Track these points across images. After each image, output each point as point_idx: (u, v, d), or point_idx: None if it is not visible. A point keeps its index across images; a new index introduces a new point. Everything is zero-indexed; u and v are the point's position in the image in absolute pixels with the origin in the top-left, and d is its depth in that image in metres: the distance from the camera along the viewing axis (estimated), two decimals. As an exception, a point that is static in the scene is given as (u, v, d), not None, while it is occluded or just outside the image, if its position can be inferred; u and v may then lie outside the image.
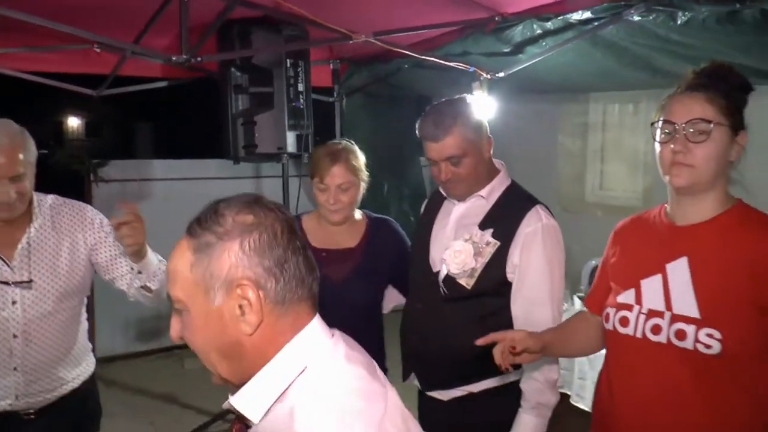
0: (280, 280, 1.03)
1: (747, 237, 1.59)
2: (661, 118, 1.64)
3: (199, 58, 2.69)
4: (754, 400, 1.59)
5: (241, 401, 1.04)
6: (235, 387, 1.06)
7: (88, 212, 2.23)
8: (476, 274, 2.09)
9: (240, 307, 1.00)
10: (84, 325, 2.29)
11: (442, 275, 2.16)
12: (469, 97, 2.26)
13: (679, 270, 1.65)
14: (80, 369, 2.28)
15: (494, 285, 2.10)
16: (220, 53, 3.48)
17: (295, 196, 4.08)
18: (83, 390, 2.28)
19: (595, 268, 4.60)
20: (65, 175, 5.20)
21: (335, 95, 4.72)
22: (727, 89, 1.60)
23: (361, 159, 2.42)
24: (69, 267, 2.15)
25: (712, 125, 1.57)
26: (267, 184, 5.98)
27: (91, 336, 2.38)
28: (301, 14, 2.99)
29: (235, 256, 1.01)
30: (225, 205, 1.05)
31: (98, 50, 3.63)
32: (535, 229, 2.06)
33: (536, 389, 2.07)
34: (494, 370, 1.84)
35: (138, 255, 2.04)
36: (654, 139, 1.69)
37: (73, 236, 2.17)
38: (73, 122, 13.67)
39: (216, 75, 3.87)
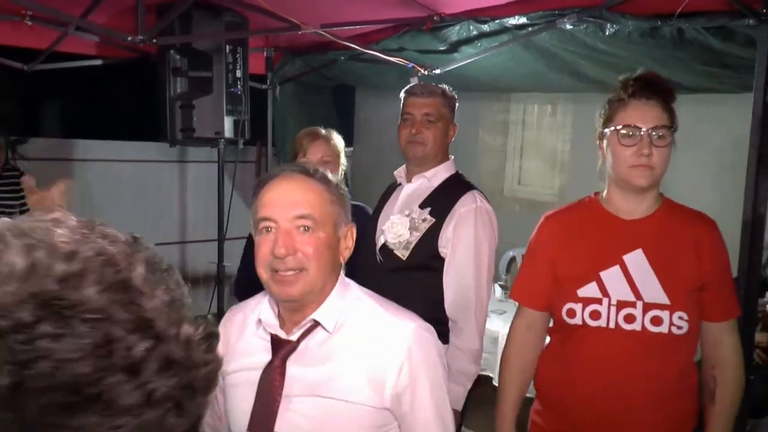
0: None
1: (684, 225, 1.83)
2: (624, 122, 1.77)
3: (154, 40, 2.70)
4: (692, 362, 1.87)
5: (323, 316, 1.42)
6: (305, 301, 1.41)
7: None
8: (411, 247, 2.32)
9: (346, 241, 1.45)
10: None
11: (378, 245, 2.40)
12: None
13: (637, 261, 1.82)
14: None
15: (427, 258, 2.32)
16: (161, 36, 3.45)
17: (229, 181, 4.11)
18: None
19: (512, 259, 4.89)
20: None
21: (268, 83, 4.75)
22: (669, 97, 1.80)
23: (340, 144, 2.62)
24: None
25: (670, 131, 1.77)
26: (195, 168, 5.96)
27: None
28: (249, 1, 3.04)
29: (346, 210, 1.46)
30: (322, 171, 1.46)
31: (30, 23, 3.52)
32: (469, 210, 2.30)
33: (458, 357, 2.24)
34: None
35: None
36: (600, 141, 1.87)
37: None
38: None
39: (154, 57, 3.84)
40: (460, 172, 2.51)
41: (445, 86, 2.50)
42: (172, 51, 3.63)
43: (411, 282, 2.30)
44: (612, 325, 1.81)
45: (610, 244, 1.86)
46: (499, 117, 5.54)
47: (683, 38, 2.61)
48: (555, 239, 1.96)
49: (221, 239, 3.96)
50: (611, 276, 1.83)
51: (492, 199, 2.46)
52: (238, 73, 3.79)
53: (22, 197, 4.42)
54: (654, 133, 1.75)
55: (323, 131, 2.61)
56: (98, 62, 4.09)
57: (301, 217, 1.36)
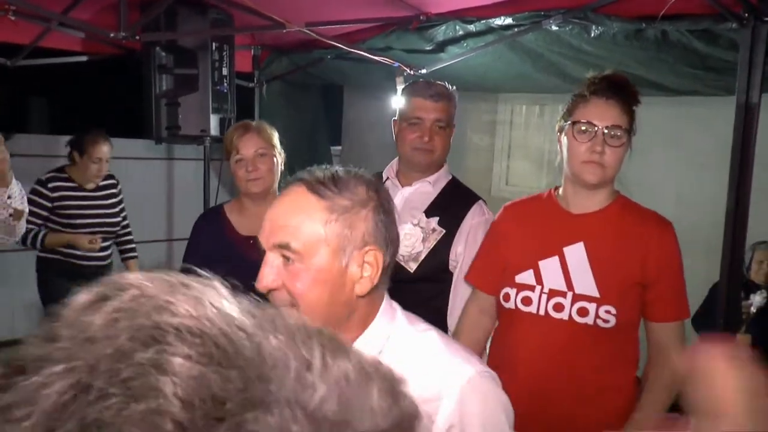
0: (390, 253, 1.16)
1: (633, 224, 1.86)
2: (581, 118, 1.80)
3: (137, 37, 2.68)
4: (625, 360, 1.90)
5: None
6: None
7: None
8: (420, 259, 2.23)
9: (361, 269, 1.12)
10: None
11: None
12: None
13: (576, 253, 1.86)
14: None
15: (435, 271, 2.25)
16: (146, 32, 3.43)
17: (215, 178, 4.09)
18: None
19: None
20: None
21: (255, 81, 4.73)
22: (632, 100, 1.83)
23: (273, 133, 2.45)
24: None
25: (626, 132, 1.80)
26: (181, 166, 5.93)
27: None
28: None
29: (369, 225, 1.12)
30: (348, 176, 1.14)
31: (13, 18, 3.49)
32: (479, 222, 2.25)
33: None
34: None
35: (4, 180, 1.96)
36: (560, 134, 1.90)
37: None
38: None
39: (139, 54, 3.82)
40: (453, 175, 2.47)
41: (447, 84, 2.37)
42: (157, 48, 3.62)
43: (414, 294, 2.25)
44: (542, 312, 1.86)
45: (554, 235, 1.90)
46: (487, 117, 5.54)
47: (667, 40, 2.62)
48: (508, 228, 2.01)
49: (206, 237, 3.94)
50: (548, 266, 1.88)
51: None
52: (225, 71, 3.78)
53: (122, 211, 4.13)
54: (609, 132, 1.78)
55: (253, 123, 2.47)
56: (83, 58, 4.06)
57: (278, 246, 1.12)
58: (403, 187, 2.36)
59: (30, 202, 3.66)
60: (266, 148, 2.38)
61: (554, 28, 2.77)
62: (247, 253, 2.41)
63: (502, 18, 2.97)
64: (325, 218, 1.10)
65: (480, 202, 2.33)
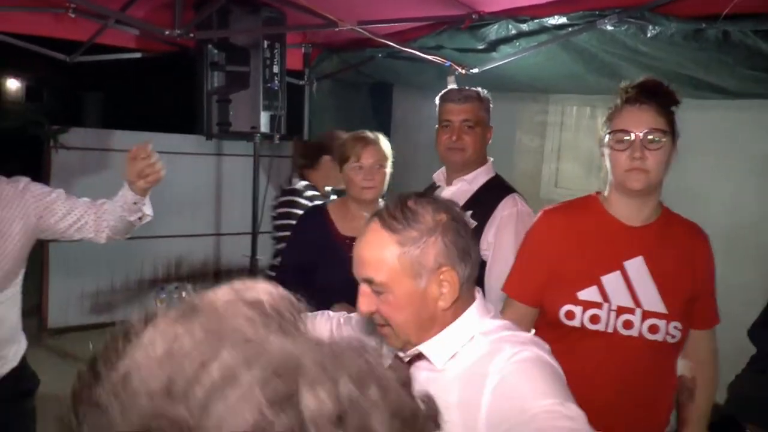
0: (468, 265, 1.29)
1: (682, 237, 1.87)
2: (618, 128, 1.80)
3: (191, 35, 2.72)
4: (673, 368, 1.94)
5: (429, 350, 1.30)
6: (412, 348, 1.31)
7: (22, 184, 2.15)
8: None
9: (440, 287, 1.26)
10: (20, 301, 2.27)
11: None
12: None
13: (637, 268, 1.83)
14: (18, 346, 2.27)
15: None
16: (199, 30, 3.48)
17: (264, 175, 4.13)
18: (20, 367, 2.27)
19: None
20: (21, 139, 5.10)
21: (306, 79, 4.76)
22: (668, 103, 1.81)
23: (388, 147, 2.62)
24: (18, 245, 2.10)
25: (664, 135, 1.77)
26: (230, 162, 6.01)
27: (43, 306, 2.34)
28: (287, -3, 3.05)
29: (439, 248, 1.26)
30: (415, 204, 1.29)
31: (73, 15, 3.59)
32: (511, 213, 2.32)
33: None
34: None
35: (147, 192, 2.17)
36: (603, 146, 1.87)
37: (17, 212, 2.09)
38: (35, 87, 13.19)
39: (192, 51, 3.88)
40: (498, 174, 2.52)
41: (480, 89, 2.52)
42: (210, 45, 3.67)
43: None
44: (610, 329, 1.84)
45: (612, 248, 1.87)
46: (537, 118, 5.46)
47: (729, 41, 2.52)
48: (554, 237, 1.96)
49: (255, 233, 3.99)
50: (612, 281, 1.84)
51: (528, 202, 2.44)
52: (276, 69, 3.81)
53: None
54: (646, 137, 1.76)
55: (371, 135, 2.61)
56: (138, 55, 4.16)
57: (365, 280, 1.31)
58: (446, 187, 2.54)
59: (286, 216, 3.31)
60: (383, 161, 2.57)
61: (609, 27, 2.70)
62: (350, 253, 2.46)
63: (556, 17, 2.91)
64: (398, 252, 1.25)
65: (514, 194, 2.41)
